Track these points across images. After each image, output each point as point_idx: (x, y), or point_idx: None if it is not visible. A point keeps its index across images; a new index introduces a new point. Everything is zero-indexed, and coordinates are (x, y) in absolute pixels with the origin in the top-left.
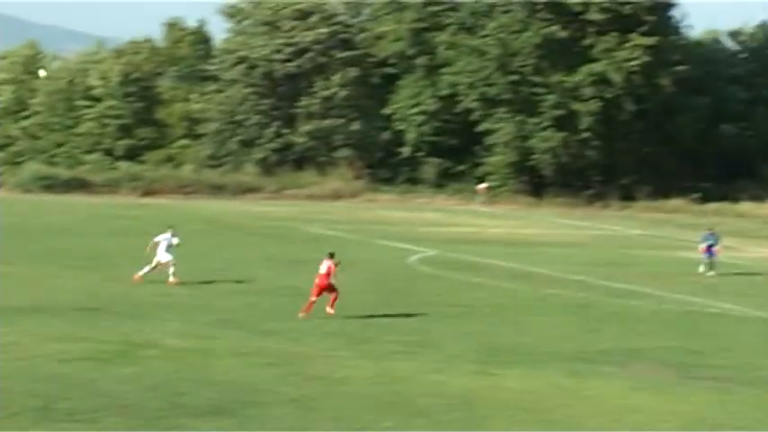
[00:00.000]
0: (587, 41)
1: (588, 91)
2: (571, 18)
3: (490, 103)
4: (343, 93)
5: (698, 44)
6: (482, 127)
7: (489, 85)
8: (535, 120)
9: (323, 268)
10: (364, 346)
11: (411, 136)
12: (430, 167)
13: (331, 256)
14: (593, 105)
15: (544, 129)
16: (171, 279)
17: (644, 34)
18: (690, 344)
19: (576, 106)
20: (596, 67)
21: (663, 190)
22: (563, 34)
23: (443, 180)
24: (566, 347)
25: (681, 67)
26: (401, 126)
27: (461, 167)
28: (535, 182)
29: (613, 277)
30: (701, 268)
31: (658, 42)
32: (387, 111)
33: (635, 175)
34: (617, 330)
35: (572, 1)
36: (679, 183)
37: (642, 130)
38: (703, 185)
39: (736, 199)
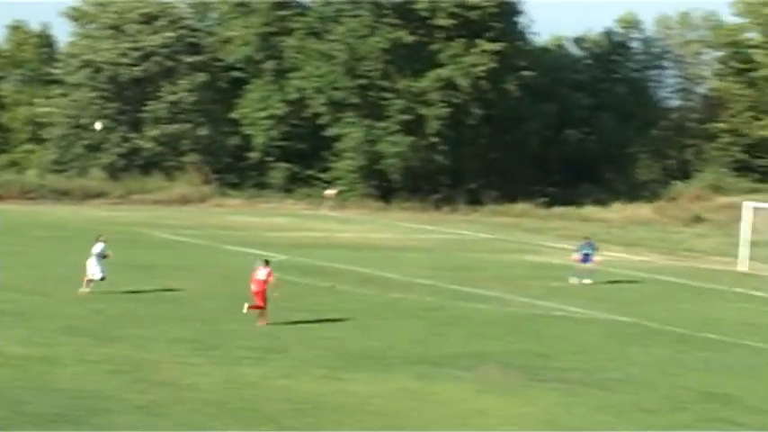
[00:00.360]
0: (435, 46)
1: (436, 96)
2: (419, 23)
3: (338, 107)
4: (191, 97)
5: (544, 50)
6: (330, 132)
7: (337, 89)
8: (383, 124)
9: (260, 275)
10: (213, 352)
11: (259, 141)
12: (278, 172)
13: (266, 263)
14: (441, 110)
15: (392, 133)
16: (85, 288)
17: (491, 40)
18: (537, 347)
19: (424, 111)
20: (444, 72)
21: (510, 194)
22: (411, 39)
23: (292, 185)
24: (414, 351)
25: (527, 73)
26: (249, 131)
27: (310, 172)
28: (384, 186)
29: (461, 281)
30: (573, 279)
31: (505, 48)
32: (235, 115)
33: (482, 180)
34: (465, 334)
35: (419, 6)
36: (525, 187)
37: (489, 135)
38: (549, 190)
39: (580, 203)
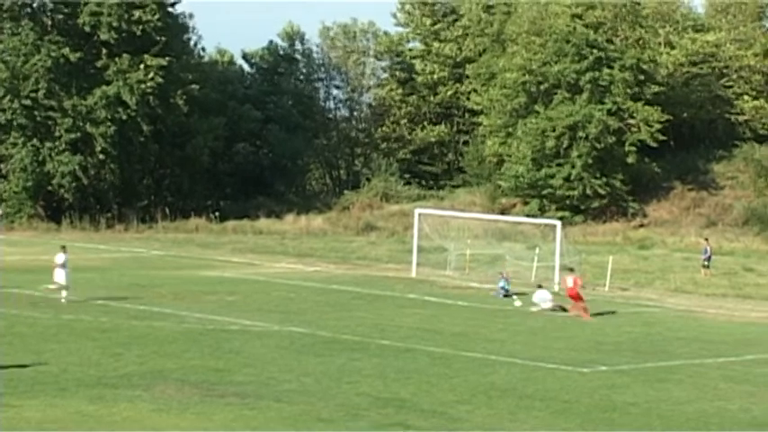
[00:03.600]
0: (100, 63)
1: (103, 113)
2: (83, 39)
3: (3, 128)
4: None
5: (212, 64)
6: None
7: (1, 110)
8: (51, 144)
9: None
10: None
11: None
12: None
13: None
14: (109, 128)
15: (61, 152)
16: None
17: (156, 55)
18: (213, 362)
19: (92, 129)
20: (110, 89)
21: (182, 210)
22: (76, 56)
23: None
24: (89, 373)
25: (194, 87)
26: None
27: None
28: (53, 207)
29: (136, 299)
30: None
31: (171, 63)
32: None
33: (154, 197)
34: (140, 353)
35: (82, 21)
36: (198, 202)
37: (159, 151)
38: (222, 204)
39: (254, 216)
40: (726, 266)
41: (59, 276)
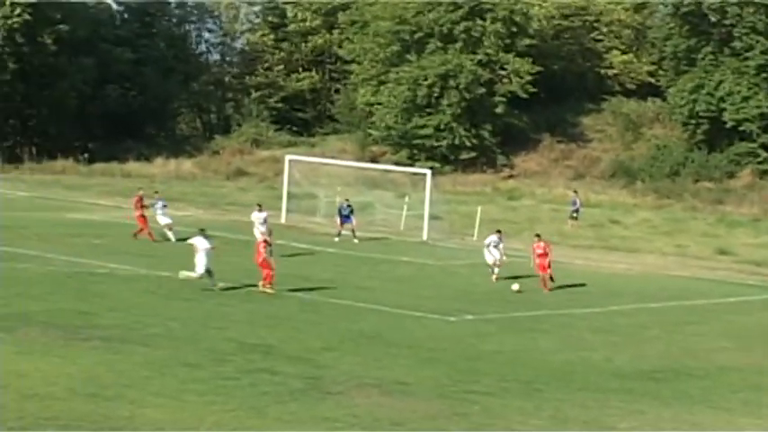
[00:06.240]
0: None
1: None
2: None
3: None
4: None
5: (82, 4)
6: None
7: None
8: None
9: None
10: None
11: None
12: None
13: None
14: None
15: None
16: None
17: None
18: (79, 305)
19: None
20: None
21: (49, 151)
22: None
23: None
24: None
25: (63, 26)
26: None
27: None
28: None
29: (1, 241)
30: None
31: (39, 1)
32: None
33: (20, 137)
34: (4, 294)
35: None
36: (66, 143)
37: (25, 90)
38: (90, 146)
39: (123, 159)
40: (592, 218)
41: None
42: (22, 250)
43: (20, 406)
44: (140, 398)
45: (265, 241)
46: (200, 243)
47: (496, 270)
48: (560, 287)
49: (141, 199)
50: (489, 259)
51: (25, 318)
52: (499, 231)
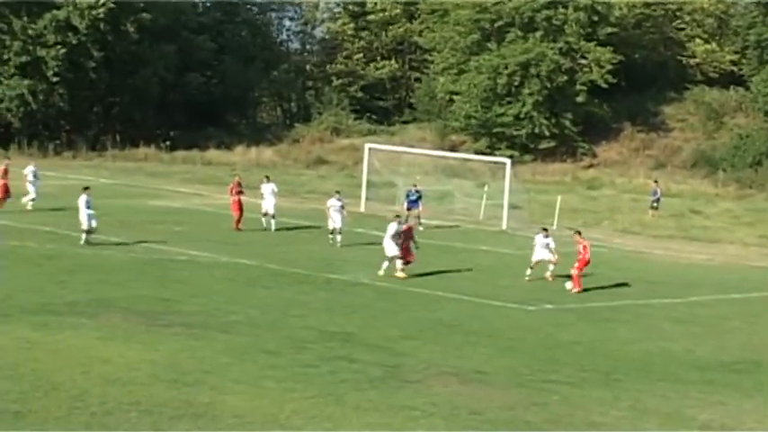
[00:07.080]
0: None
1: (53, 37)
2: None
3: None
4: None
5: None
6: None
7: None
8: (0, 68)
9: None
10: None
11: None
12: None
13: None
14: (59, 51)
15: (10, 76)
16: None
17: None
18: (160, 291)
19: (42, 52)
20: (61, 13)
21: (132, 139)
22: None
23: None
24: (34, 300)
25: (145, 15)
26: None
27: None
28: (1, 132)
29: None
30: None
31: None
32: None
33: (104, 124)
34: (87, 281)
35: None
36: (148, 131)
37: (109, 78)
38: (172, 134)
39: (204, 147)
40: (673, 208)
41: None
42: (104, 237)
43: (103, 391)
44: (221, 384)
45: (410, 228)
46: None
47: (551, 267)
48: (639, 277)
49: (239, 185)
50: (535, 258)
51: (107, 304)
52: (545, 229)
